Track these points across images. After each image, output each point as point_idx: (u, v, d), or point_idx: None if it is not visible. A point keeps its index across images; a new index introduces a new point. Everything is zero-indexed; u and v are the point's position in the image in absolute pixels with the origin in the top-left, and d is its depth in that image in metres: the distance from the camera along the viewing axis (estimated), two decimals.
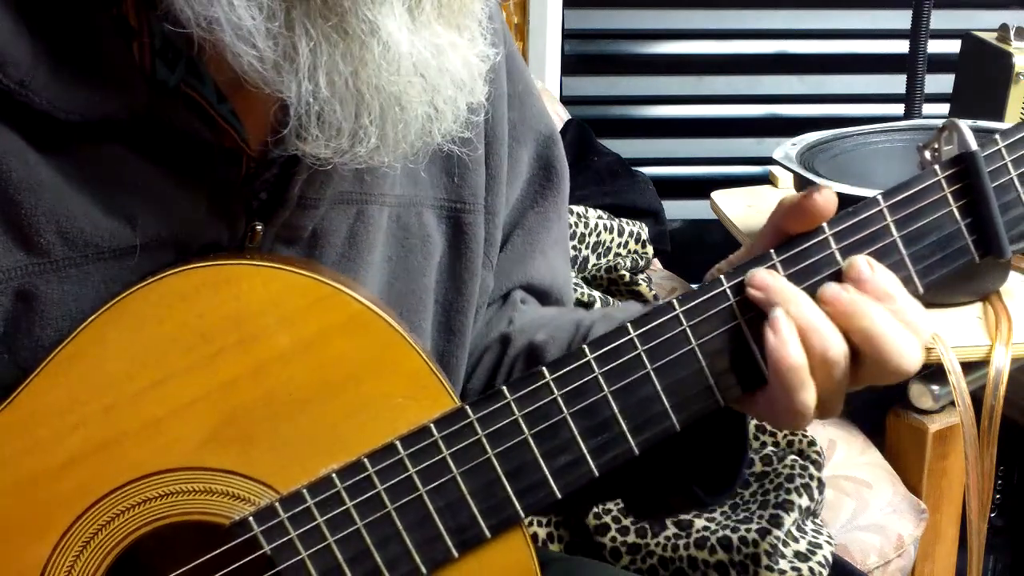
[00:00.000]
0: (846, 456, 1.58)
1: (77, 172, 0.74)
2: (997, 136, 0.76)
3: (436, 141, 0.76)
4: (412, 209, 0.88)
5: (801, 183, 1.55)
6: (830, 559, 1.30)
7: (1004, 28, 2.04)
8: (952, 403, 1.48)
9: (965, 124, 0.75)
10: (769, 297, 0.74)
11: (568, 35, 2.58)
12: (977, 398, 1.45)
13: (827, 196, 0.75)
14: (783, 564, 1.28)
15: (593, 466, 0.76)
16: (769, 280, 0.74)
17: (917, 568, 1.58)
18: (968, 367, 1.46)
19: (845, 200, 0.75)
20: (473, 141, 0.85)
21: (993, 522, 1.84)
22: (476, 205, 0.91)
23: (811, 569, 1.28)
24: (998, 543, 1.89)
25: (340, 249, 0.83)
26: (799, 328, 0.73)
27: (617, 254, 1.82)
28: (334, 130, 0.72)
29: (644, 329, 0.75)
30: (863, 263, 0.75)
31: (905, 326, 0.74)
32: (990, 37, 2.07)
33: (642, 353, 0.75)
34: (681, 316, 0.75)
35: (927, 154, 0.77)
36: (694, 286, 0.76)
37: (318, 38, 0.69)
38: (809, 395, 0.74)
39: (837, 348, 0.73)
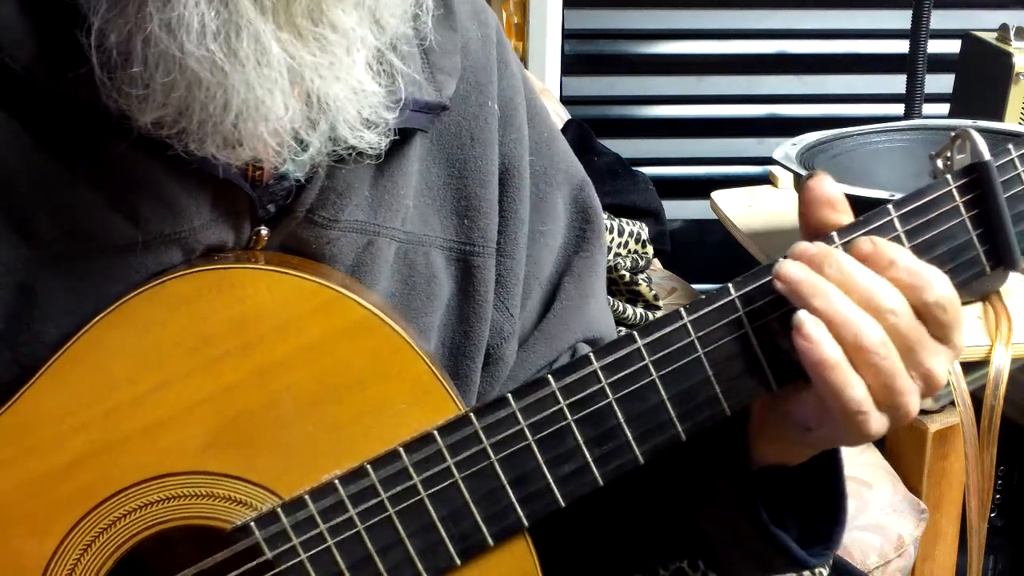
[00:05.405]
0: (846, 456, 1.55)
1: (81, 166, 0.74)
2: (1010, 146, 0.75)
3: (260, 148, 0.74)
4: (420, 248, 0.87)
5: (801, 183, 1.55)
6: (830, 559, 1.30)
7: (1004, 28, 2.04)
8: (952, 403, 1.48)
9: (978, 133, 0.74)
10: (795, 290, 0.72)
11: (568, 35, 2.58)
12: (977, 398, 1.45)
13: (817, 182, 0.75)
14: None
15: (598, 475, 0.76)
16: (797, 274, 0.72)
17: (917, 568, 1.58)
18: (968, 367, 1.46)
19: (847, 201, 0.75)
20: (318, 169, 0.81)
21: (993, 522, 1.85)
22: (487, 248, 0.89)
23: (811, 569, 1.28)
24: (998, 543, 1.90)
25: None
26: (828, 322, 0.71)
27: (617, 254, 1.81)
28: (122, 81, 0.70)
29: (651, 338, 0.75)
30: (864, 240, 0.73)
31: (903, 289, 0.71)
32: (990, 37, 2.07)
33: (649, 363, 0.75)
34: (689, 326, 0.74)
35: (939, 163, 0.76)
36: (695, 287, 0.76)
37: None
38: (858, 391, 0.71)
39: (870, 335, 0.70)
